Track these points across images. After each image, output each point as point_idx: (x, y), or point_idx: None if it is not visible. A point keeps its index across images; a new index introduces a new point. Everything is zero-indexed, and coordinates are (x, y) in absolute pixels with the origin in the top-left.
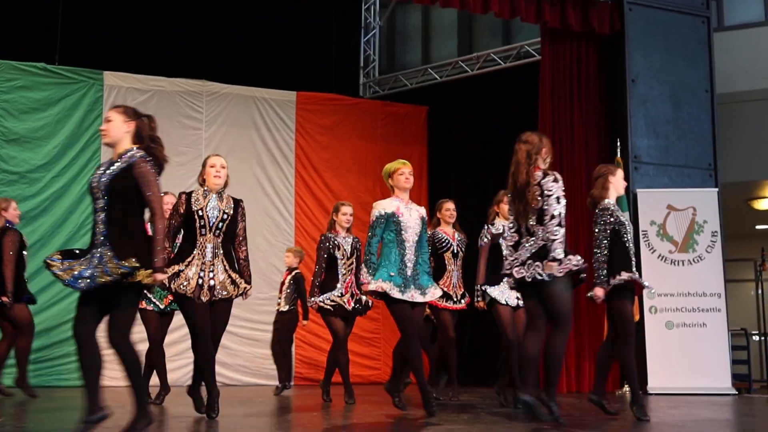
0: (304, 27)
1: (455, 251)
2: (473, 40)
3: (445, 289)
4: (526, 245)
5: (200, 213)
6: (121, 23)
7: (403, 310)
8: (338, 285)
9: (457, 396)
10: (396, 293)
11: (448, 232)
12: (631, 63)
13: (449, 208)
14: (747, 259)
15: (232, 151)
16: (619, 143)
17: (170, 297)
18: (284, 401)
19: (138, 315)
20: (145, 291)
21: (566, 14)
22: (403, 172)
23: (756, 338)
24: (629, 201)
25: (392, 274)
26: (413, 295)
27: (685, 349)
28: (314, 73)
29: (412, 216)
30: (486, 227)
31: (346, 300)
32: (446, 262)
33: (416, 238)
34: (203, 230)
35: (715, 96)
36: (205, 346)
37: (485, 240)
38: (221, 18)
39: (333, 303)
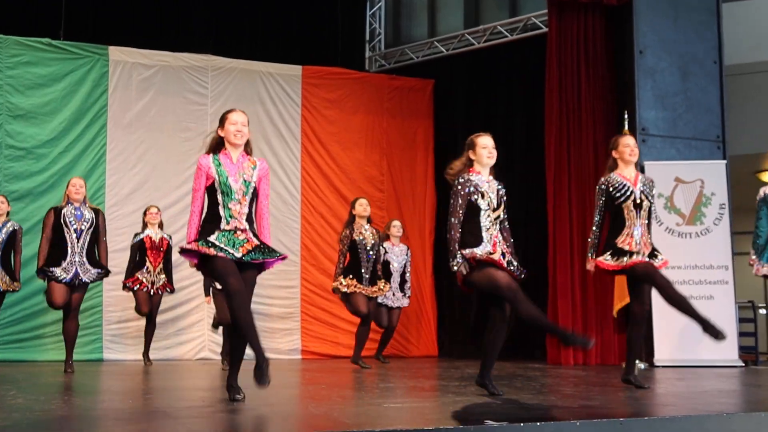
0: (309, 0)
1: (638, 200)
2: (479, 12)
3: (628, 247)
4: None
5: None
6: None
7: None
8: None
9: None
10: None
11: (628, 175)
12: (638, 34)
13: (628, 143)
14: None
15: None
16: (626, 115)
17: (247, 246)
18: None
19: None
20: (217, 243)
21: None
22: None
23: (763, 311)
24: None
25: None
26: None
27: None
28: (320, 46)
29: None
30: None
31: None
32: (625, 214)
33: None
34: None
35: (723, 67)
36: None
37: None
38: None
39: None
